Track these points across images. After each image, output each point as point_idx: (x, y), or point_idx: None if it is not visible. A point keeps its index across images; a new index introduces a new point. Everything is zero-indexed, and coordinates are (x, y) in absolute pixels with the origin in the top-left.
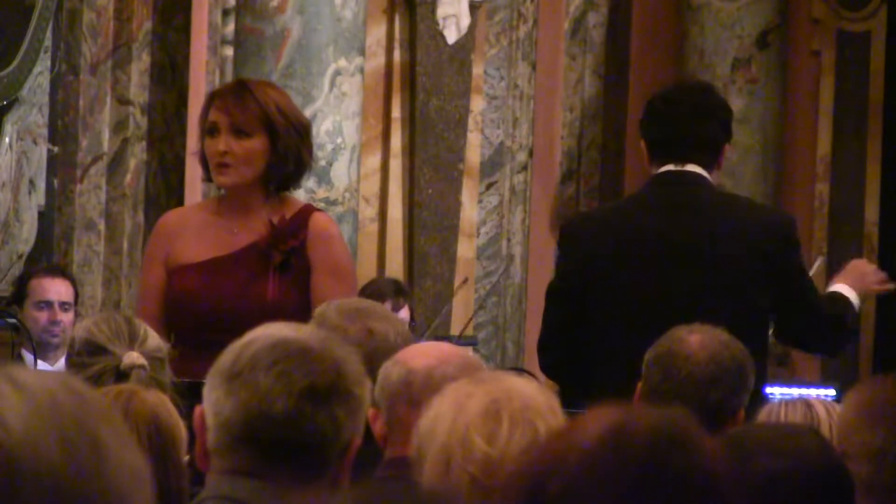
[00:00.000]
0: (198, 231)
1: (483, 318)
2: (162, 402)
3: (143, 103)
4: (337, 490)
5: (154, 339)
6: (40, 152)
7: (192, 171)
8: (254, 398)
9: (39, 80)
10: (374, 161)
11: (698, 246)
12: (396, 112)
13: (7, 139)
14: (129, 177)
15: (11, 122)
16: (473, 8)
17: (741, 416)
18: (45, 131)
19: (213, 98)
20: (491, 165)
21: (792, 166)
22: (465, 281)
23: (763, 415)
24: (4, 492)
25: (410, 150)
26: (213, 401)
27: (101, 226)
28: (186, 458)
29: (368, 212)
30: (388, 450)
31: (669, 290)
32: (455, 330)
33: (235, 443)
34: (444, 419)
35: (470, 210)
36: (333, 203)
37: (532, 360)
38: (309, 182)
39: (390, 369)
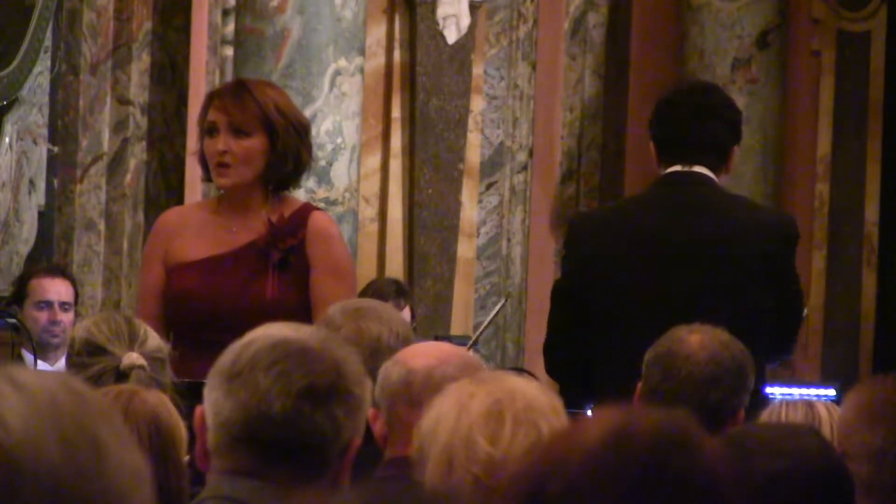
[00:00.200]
0: (197, 230)
1: (483, 319)
2: (162, 403)
3: (143, 103)
4: (337, 490)
5: (154, 340)
6: (40, 152)
7: (192, 171)
8: (253, 398)
9: (39, 80)
10: (374, 161)
11: (699, 246)
12: (396, 112)
13: (7, 139)
14: (129, 177)
15: (11, 122)
16: (473, 8)
17: (741, 416)
18: (45, 131)
19: (211, 98)
20: (491, 165)
21: (792, 166)
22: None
23: (765, 415)
24: (4, 492)
25: (410, 150)
26: (213, 401)
27: (101, 226)
28: (187, 458)
29: (368, 212)
30: (388, 450)
31: (670, 290)
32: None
33: (235, 443)
34: (446, 419)
35: (470, 210)
36: (333, 203)
37: (532, 361)
38: (309, 182)
39: (390, 369)
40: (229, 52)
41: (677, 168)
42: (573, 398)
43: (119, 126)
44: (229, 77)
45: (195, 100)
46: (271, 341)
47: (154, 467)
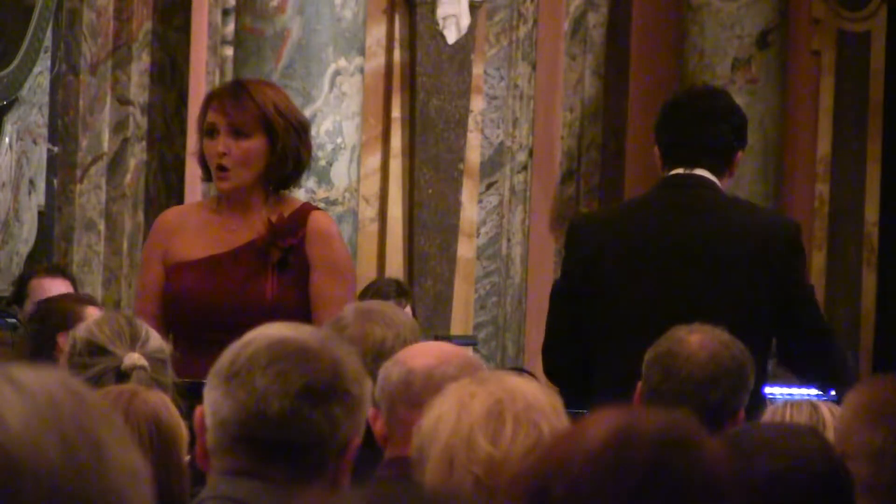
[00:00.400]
0: (196, 229)
1: (483, 318)
2: (163, 403)
3: (143, 103)
4: (337, 490)
5: (156, 340)
6: (40, 152)
7: (192, 171)
8: (251, 398)
9: (39, 80)
10: (374, 161)
11: (699, 247)
12: (396, 112)
13: (7, 139)
14: (129, 177)
15: (11, 122)
16: (473, 8)
17: (741, 416)
18: (45, 131)
19: (210, 99)
20: (491, 165)
21: (792, 166)
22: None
23: (767, 415)
24: (4, 492)
25: (410, 150)
26: (212, 401)
27: (101, 226)
28: (188, 458)
29: (368, 212)
30: (388, 450)
31: (670, 291)
32: (456, 331)
33: (233, 443)
34: (447, 419)
35: (470, 210)
36: (333, 203)
37: (532, 361)
38: (309, 182)
39: (390, 369)
40: (229, 52)
41: (679, 171)
42: (572, 399)
43: (119, 126)
44: (229, 77)
45: (195, 100)
46: (269, 341)
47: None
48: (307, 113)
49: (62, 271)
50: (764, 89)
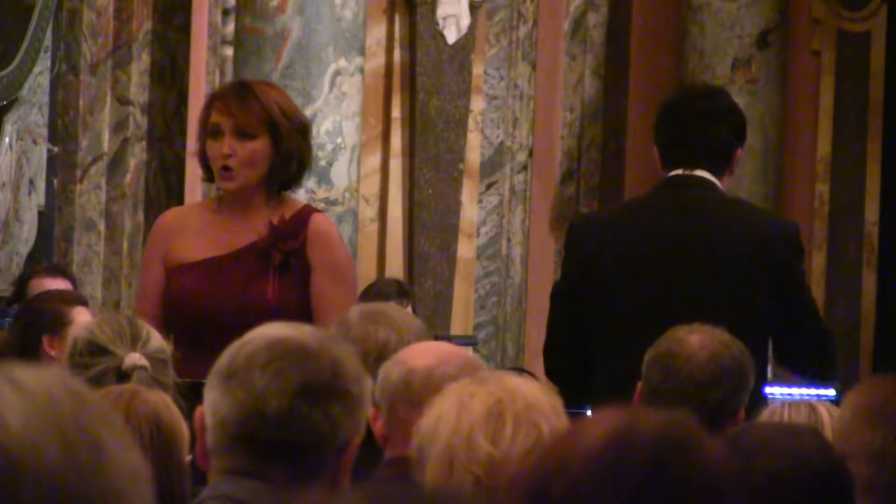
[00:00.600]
0: (197, 230)
1: (483, 318)
2: (164, 403)
3: (143, 103)
4: (337, 490)
5: (157, 340)
6: (40, 152)
7: (192, 171)
8: (249, 397)
9: (39, 79)
10: (374, 161)
11: (699, 248)
12: (396, 112)
13: (7, 139)
14: (129, 177)
15: (11, 122)
16: (473, 8)
17: (741, 416)
18: (45, 131)
19: (214, 99)
20: (491, 165)
21: (792, 166)
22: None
23: (766, 416)
24: (4, 492)
25: (410, 150)
26: (211, 400)
27: (101, 226)
28: (189, 458)
29: (368, 212)
30: (388, 450)
31: (670, 291)
32: (456, 331)
33: (233, 442)
34: (447, 419)
35: (470, 210)
36: (333, 203)
37: (532, 361)
38: (309, 182)
39: (390, 369)
40: (229, 52)
41: (679, 171)
42: (572, 399)
43: (119, 126)
44: (229, 77)
45: (195, 100)
46: (268, 340)
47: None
48: (307, 113)
49: (62, 271)
50: (764, 89)
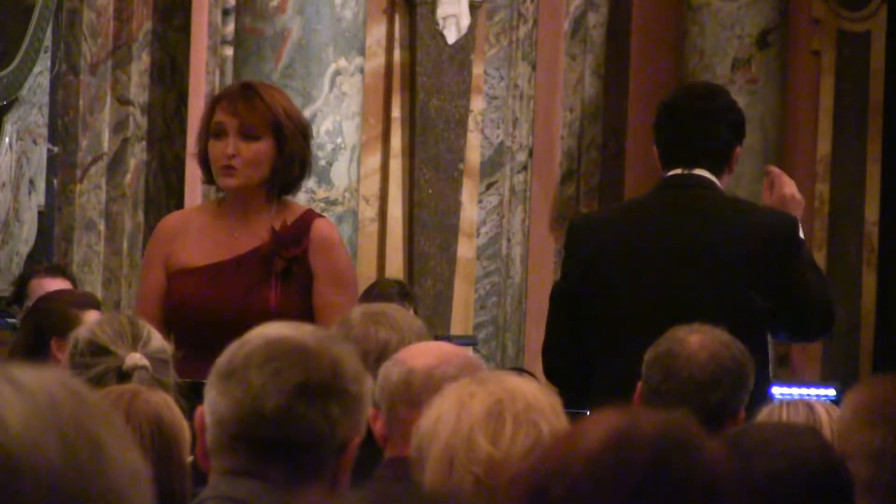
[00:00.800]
0: (198, 234)
1: (483, 318)
2: (165, 403)
3: (143, 103)
4: (337, 490)
5: (158, 340)
6: (40, 152)
7: (192, 171)
8: (247, 396)
9: (39, 80)
10: (374, 161)
11: (700, 247)
12: (396, 112)
13: (7, 139)
14: (129, 177)
15: (11, 122)
16: (473, 8)
17: (741, 416)
18: (45, 131)
19: (218, 100)
20: (491, 165)
21: (792, 166)
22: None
23: (763, 415)
24: (4, 492)
25: (410, 150)
26: (210, 400)
27: (101, 226)
28: (190, 458)
29: (368, 212)
30: (389, 450)
31: (670, 291)
32: (456, 331)
33: (232, 442)
34: (447, 419)
35: (470, 210)
36: (333, 203)
37: (532, 361)
38: (309, 182)
39: (390, 369)
40: (229, 52)
41: (678, 171)
42: (572, 399)
43: (119, 126)
44: (229, 77)
45: (195, 100)
46: (267, 339)
47: (156, 468)
48: (307, 113)
49: (62, 271)
50: (764, 89)
